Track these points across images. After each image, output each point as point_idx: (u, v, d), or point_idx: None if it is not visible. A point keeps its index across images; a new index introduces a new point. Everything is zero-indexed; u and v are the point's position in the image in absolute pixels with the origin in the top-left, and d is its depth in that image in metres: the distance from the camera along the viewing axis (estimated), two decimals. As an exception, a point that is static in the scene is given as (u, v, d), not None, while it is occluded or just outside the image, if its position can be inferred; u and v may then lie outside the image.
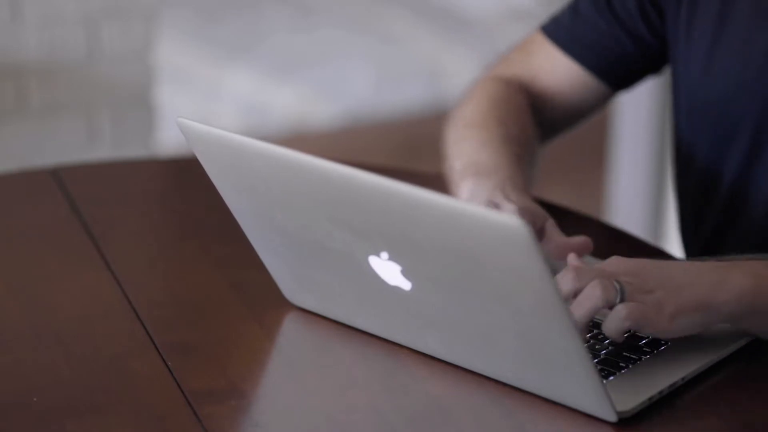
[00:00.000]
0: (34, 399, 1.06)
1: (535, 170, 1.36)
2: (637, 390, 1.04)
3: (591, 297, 1.05)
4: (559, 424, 1.03)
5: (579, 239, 1.18)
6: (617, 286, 1.05)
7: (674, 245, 1.52)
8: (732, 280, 1.08)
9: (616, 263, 1.09)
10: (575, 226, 1.21)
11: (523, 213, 1.16)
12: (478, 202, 1.20)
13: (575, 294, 1.06)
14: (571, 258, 1.10)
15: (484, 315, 1.02)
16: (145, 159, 2.26)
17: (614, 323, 1.05)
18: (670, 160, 1.46)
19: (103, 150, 2.55)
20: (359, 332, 1.15)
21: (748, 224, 1.34)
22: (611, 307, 1.05)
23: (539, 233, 1.18)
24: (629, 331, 1.09)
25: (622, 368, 1.07)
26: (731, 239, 1.36)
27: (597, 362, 1.08)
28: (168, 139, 2.86)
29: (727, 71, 1.31)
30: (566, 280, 1.06)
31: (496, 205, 1.18)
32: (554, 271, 0.95)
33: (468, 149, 1.31)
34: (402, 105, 3.96)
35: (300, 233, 1.10)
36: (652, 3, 1.36)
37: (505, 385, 1.07)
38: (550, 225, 1.18)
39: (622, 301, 1.05)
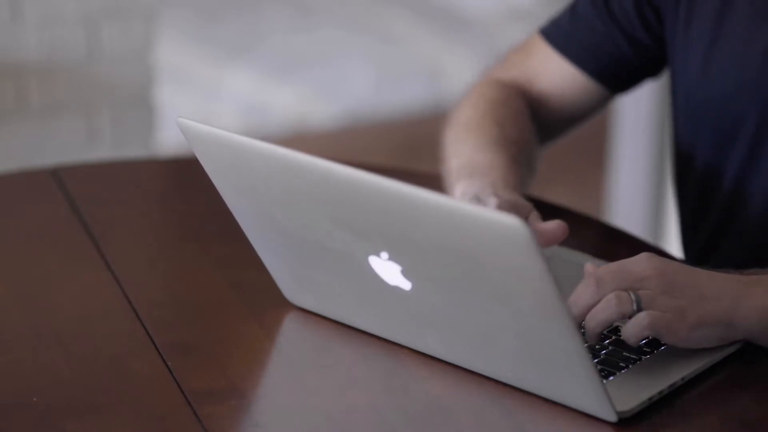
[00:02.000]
0: (34, 399, 1.06)
1: (534, 172, 1.36)
2: (637, 390, 1.04)
3: (606, 309, 1.05)
4: (559, 424, 1.03)
5: (552, 224, 1.16)
6: (633, 297, 1.05)
7: (674, 245, 1.52)
8: (755, 298, 1.08)
9: (645, 262, 1.07)
10: (575, 226, 1.21)
11: (506, 206, 1.15)
12: (467, 201, 1.19)
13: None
14: (588, 267, 1.09)
15: (484, 315, 1.02)
16: (145, 159, 2.26)
17: (634, 330, 1.05)
18: (670, 160, 1.46)
19: (103, 150, 2.55)
20: (359, 332, 1.15)
21: (748, 224, 1.34)
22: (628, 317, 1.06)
23: None
24: (647, 338, 1.09)
25: (622, 368, 1.07)
26: (730, 239, 1.36)
27: (597, 362, 1.08)
28: (168, 139, 2.86)
29: (726, 72, 1.31)
30: (588, 293, 1.06)
31: (480, 200, 1.18)
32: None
33: (464, 151, 1.31)
34: (402, 105, 3.96)
35: (300, 233, 1.10)
36: (650, 4, 1.36)
37: (505, 385, 1.07)
38: (533, 216, 1.18)
39: (639, 310, 1.05)
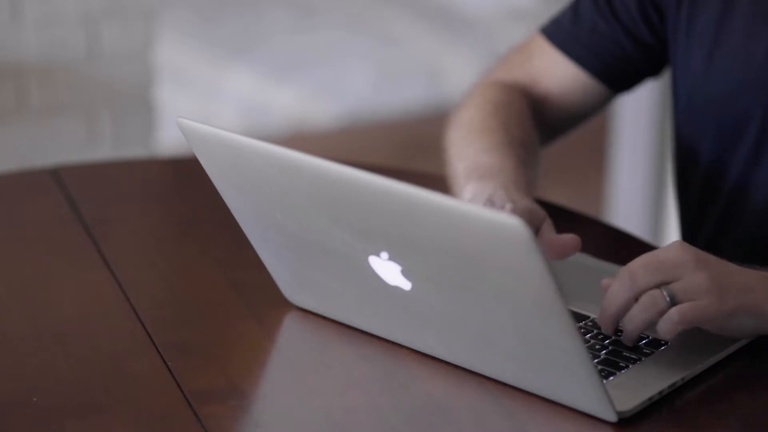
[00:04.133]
0: (34, 399, 1.06)
1: (537, 173, 1.35)
2: (637, 390, 1.04)
3: (642, 312, 1.06)
4: (559, 424, 1.03)
5: (567, 237, 1.17)
6: (666, 294, 1.06)
7: (674, 245, 1.52)
8: None
9: (678, 249, 1.08)
10: (575, 226, 1.21)
11: (522, 213, 1.16)
12: (479, 203, 1.19)
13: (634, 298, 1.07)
14: (605, 281, 1.10)
15: (484, 315, 1.02)
16: (145, 159, 2.26)
17: (666, 327, 1.06)
18: (671, 160, 1.46)
19: (103, 150, 2.55)
20: (359, 332, 1.15)
21: (750, 223, 1.34)
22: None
23: (535, 234, 1.18)
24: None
25: (622, 368, 1.07)
26: (732, 238, 1.36)
27: (597, 362, 1.08)
28: (168, 139, 2.86)
29: (729, 71, 1.31)
30: (623, 289, 1.07)
31: (494, 205, 1.18)
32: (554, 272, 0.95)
33: (471, 153, 1.31)
34: (402, 105, 3.96)
35: (300, 233, 1.10)
36: (652, 4, 1.36)
37: (505, 385, 1.07)
38: (546, 225, 1.18)
39: (673, 304, 1.06)
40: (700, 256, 1.08)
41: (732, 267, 1.09)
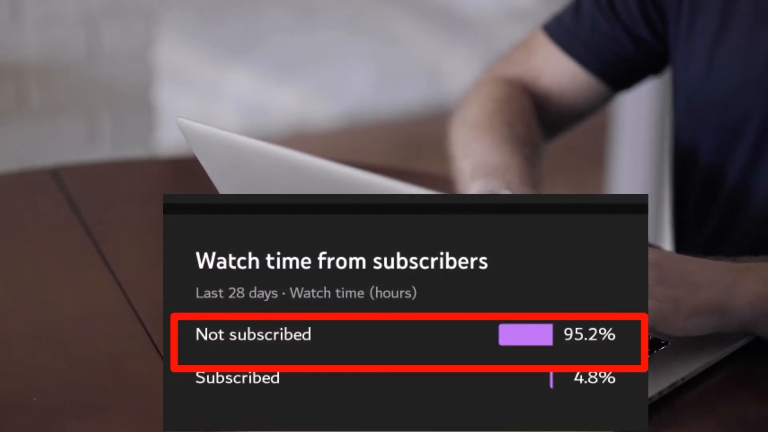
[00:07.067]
0: (34, 399, 1.06)
1: (542, 171, 1.36)
2: (637, 390, 1.04)
3: None
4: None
5: None
6: None
7: (674, 245, 1.52)
8: (746, 286, 1.08)
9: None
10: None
11: None
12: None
13: None
14: None
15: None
16: (145, 159, 2.26)
17: None
18: (670, 160, 1.46)
19: (103, 150, 2.56)
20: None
21: (749, 224, 1.34)
22: None
23: None
24: None
25: (622, 368, 1.07)
26: (732, 239, 1.36)
27: (597, 362, 1.07)
28: (168, 139, 2.87)
29: (729, 71, 1.31)
30: None
31: None
32: None
33: (477, 150, 1.30)
34: (402, 105, 3.96)
35: (300, 233, 1.09)
36: (653, 3, 1.36)
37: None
38: None
39: None
40: (658, 259, 1.06)
41: (692, 265, 1.07)
